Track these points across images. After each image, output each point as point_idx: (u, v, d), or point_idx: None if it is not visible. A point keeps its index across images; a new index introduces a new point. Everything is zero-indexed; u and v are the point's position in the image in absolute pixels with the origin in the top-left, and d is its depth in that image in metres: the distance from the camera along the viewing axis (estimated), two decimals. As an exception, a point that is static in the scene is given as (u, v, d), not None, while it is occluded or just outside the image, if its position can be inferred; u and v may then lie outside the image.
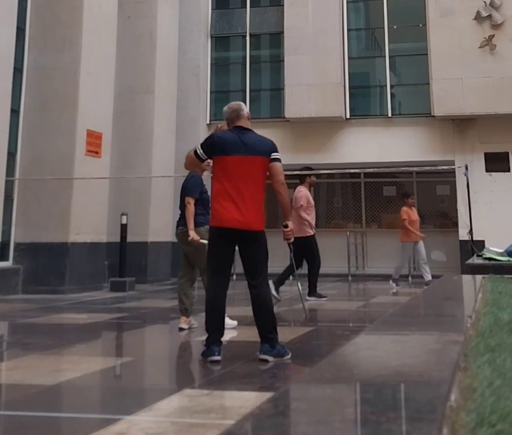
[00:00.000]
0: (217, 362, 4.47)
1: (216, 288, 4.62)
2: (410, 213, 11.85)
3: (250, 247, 4.60)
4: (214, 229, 4.63)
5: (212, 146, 4.70)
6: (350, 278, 14.42)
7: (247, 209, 4.52)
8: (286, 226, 4.89)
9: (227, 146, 4.62)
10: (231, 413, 3.09)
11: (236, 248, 4.71)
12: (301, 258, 9.19)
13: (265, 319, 4.58)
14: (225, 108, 4.89)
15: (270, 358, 4.51)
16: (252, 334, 6.42)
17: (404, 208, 11.93)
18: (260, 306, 4.59)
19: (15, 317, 7.95)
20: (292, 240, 5.05)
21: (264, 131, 19.05)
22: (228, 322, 6.03)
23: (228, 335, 6.23)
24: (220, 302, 4.64)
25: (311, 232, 9.46)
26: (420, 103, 15.47)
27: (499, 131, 14.56)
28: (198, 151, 4.76)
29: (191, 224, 6.20)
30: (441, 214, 16.51)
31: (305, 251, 9.29)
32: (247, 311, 8.93)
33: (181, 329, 6.32)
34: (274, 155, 4.70)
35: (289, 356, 4.61)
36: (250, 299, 4.64)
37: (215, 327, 4.62)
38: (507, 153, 14.67)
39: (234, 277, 15.01)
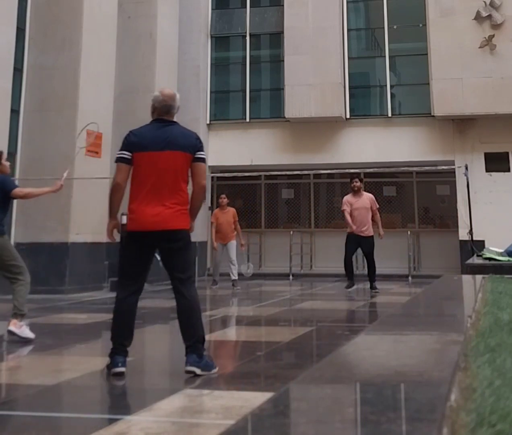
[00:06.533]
0: (120, 374, 4.08)
1: (125, 293, 4.25)
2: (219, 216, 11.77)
3: (172, 248, 4.19)
4: (129, 232, 4.29)
5: (132, 143, 4.24)
6: (350, 278, 14.36)
7: (166, 208, 4.14)
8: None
9: (145, 141, 4.20)
10: (231, 413, 3.08)
11: None
12: None
13: (195, 326, 4.15)
14: (157, 94, 4.36)
15: (198, 371, 4.03)
16: (252, 334, 6.43)
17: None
18: (189, 311, 4.16)
19: (15, 317, 7.93)
20: None
21: (264, 131, 18.96)
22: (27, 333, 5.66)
23: (228, 335, 6.23)
24: (126, 308, 4.27)
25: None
26: (420, 103, 15.48)
27: (499, 131, 14.56)
28: (122, 155, 4.25)
29: (43, 191, 6.58)
30: (441, 214, 16.52)
31: None
32: (247, 311, 8.97)
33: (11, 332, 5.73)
34: (199, 154, 4.24)
35: (216, 370, 4.14)
36: (176, 305, 4.22)
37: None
38: (507, 153, 14.68)
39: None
